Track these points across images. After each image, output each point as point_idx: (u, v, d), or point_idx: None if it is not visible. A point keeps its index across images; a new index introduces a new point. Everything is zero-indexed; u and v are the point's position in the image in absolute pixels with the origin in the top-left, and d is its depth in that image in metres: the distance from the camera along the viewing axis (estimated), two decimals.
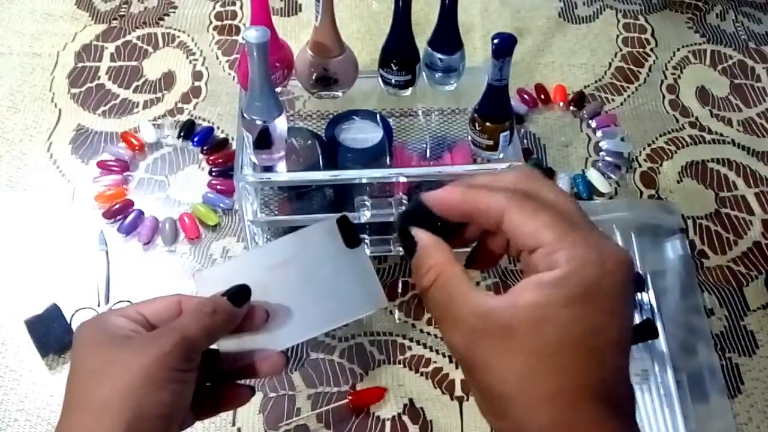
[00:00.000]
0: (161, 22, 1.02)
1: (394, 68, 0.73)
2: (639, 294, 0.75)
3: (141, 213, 0.80)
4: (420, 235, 0.40)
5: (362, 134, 0.75)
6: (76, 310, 0.72)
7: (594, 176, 0.85)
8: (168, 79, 0.95)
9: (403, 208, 0.43)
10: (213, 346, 0.48)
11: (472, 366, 0.36)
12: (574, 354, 0.33)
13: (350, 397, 0.67)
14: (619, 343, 0.34)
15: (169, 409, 0.42)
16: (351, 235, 0.51)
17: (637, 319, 0.73)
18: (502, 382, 0.34)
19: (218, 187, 0.83)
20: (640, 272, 0.75)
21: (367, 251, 0.48)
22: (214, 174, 0.84)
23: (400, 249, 0.74)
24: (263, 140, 0.65)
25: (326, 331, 0.52)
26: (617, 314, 0.34)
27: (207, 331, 0.45)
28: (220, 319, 0.46)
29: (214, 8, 1.04)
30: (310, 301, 0.50)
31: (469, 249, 0.44)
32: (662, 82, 0.98)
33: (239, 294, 0.48)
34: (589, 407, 0.33)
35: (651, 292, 0.75)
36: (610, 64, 1.00)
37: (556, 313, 0.34)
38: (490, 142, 0.69)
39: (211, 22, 1.02)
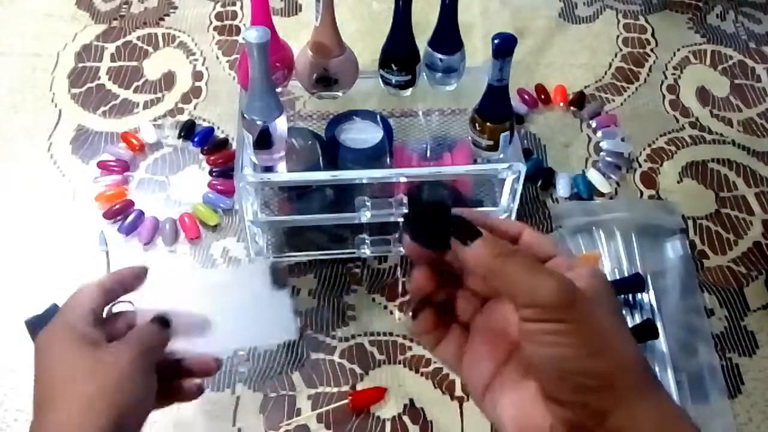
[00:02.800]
0: (161, 23, 1.02)
1: (395, 69, 0.73)
2: (639, 294, 0.75)
3: (141, 213, 0.80)
4: None
5: (362, 134, 0.75)
6: None
7: (594, 176, 0.85)
8: (168, 80, 0.95)
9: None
10: None
11: None
12: None
13: (350, 398, 0.67)
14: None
15: (144, 402, 0.50)
16: (278, 279, 0.65)
17: (638, 319, 0.73)
18: None
19: (218, 187, 0.83)
20: (641, 272, 0.75)
21: (287, 294, 0.70)
22: (214, 174, 0.84)
23: (401, 249, 0.74)
24: (263, 140, 0.65)
25: (239, 347, 0.68)
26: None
27: (162, 343, 0.54)
28: (162, 338, 0.54)
29: (214, 8, 1.05)
30: (232, 321, 0.59)
31: None
32: (662, 82, 0.98)
33: (162, 320, 0.54)
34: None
35: (651, 292, 0.75)
36: (610, 64, 1.00)
37: None
38: (491, 142, 0.69)
39: (211, 23, 1.03)
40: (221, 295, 0.60)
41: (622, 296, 0.74)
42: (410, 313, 0.42)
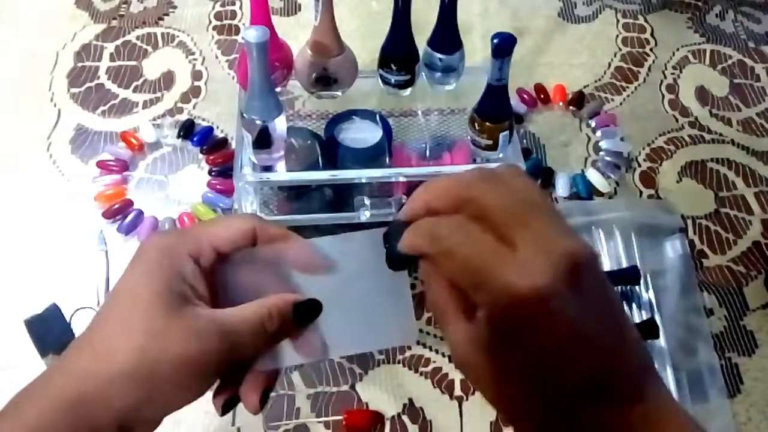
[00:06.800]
0: (161, 22, 1.02)
1: (394, 68, 0.73)
2: (638, 288, 0.75)
3: (141, 213, 0.80)
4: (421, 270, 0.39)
5: (362, 134, 0.75)
6: (76, 310, 0.72)
7: (594, 176, 0.85)
8: (167, 79, 0.95)
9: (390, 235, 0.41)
10: None
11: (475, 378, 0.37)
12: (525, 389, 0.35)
13: (345, 416, 0.66)
14: (551, 367, 0.34)
15: (180, 404, 0.40)
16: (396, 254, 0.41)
17: (638, 319, 0.73)
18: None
19: (218, 186, 0.83)
20: (640, 272, 0.75)
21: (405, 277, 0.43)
22: (213, 174, 0.84)
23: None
24: (263, 140, 0.66)
25: (347, 354, 0.51)
26: (534, 336, 0.34)
27: (257, 352, 0.41)
28: (276, 339, 0.42)
29: (213, 8, 1.05)
30: (338, 319, 0.43)
31: None
32: (662, 81, 0.98)
33: (308, 312, 0.42)
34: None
35: (651, 291, 0.75)
36: (609, 63, 1.00)
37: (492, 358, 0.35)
38: (490, 142, 0.69)
39: (210, 22, 1.03)
40: (320, 279, 0.43)
41: (620, 288, 0.74)
42: None
